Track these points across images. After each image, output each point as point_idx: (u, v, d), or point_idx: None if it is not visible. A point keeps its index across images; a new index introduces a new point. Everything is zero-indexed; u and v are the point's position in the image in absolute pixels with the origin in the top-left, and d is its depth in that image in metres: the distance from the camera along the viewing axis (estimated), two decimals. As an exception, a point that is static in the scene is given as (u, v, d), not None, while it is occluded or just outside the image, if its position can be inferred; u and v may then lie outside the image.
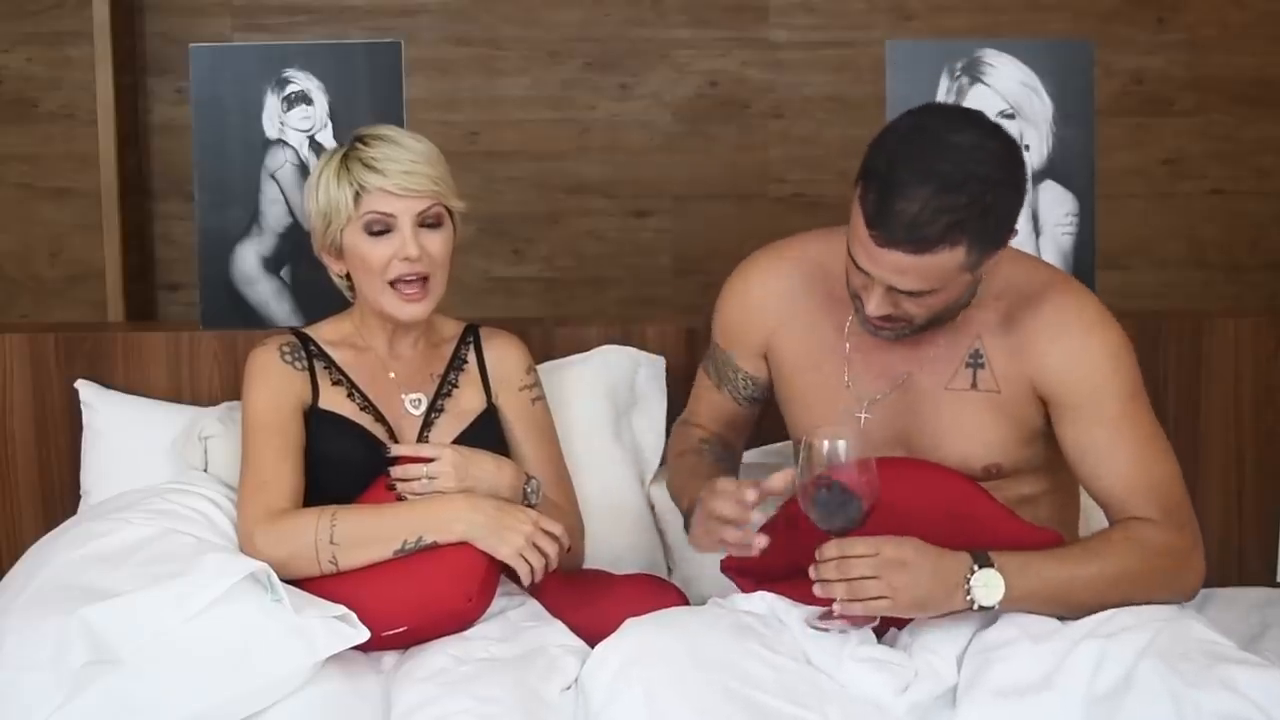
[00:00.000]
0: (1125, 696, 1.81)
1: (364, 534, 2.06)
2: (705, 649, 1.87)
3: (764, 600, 2.02)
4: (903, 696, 1.91)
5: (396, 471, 2.14)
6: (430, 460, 2.13)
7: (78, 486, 2.54)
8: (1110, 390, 2.02)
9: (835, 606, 1.91)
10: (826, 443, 1.87)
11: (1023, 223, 2.70)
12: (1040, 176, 2.72)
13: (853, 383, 2.12)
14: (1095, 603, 1.94)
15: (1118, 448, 2.01)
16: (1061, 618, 1.96)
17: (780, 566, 2.01)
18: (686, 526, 2.12)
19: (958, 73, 2.71)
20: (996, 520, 2.00)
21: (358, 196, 2.17)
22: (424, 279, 2.18)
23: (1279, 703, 1.78)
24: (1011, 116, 2.71)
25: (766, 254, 2.24)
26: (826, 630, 1.94)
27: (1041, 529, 2.03)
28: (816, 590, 1.90)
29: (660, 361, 2.60)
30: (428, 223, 2.19)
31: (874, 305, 1.97)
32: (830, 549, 1.88)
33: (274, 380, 2.21)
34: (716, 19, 3.39)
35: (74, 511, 2.46)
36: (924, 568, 1.87)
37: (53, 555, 2.10)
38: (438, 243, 2.19)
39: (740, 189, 3.41)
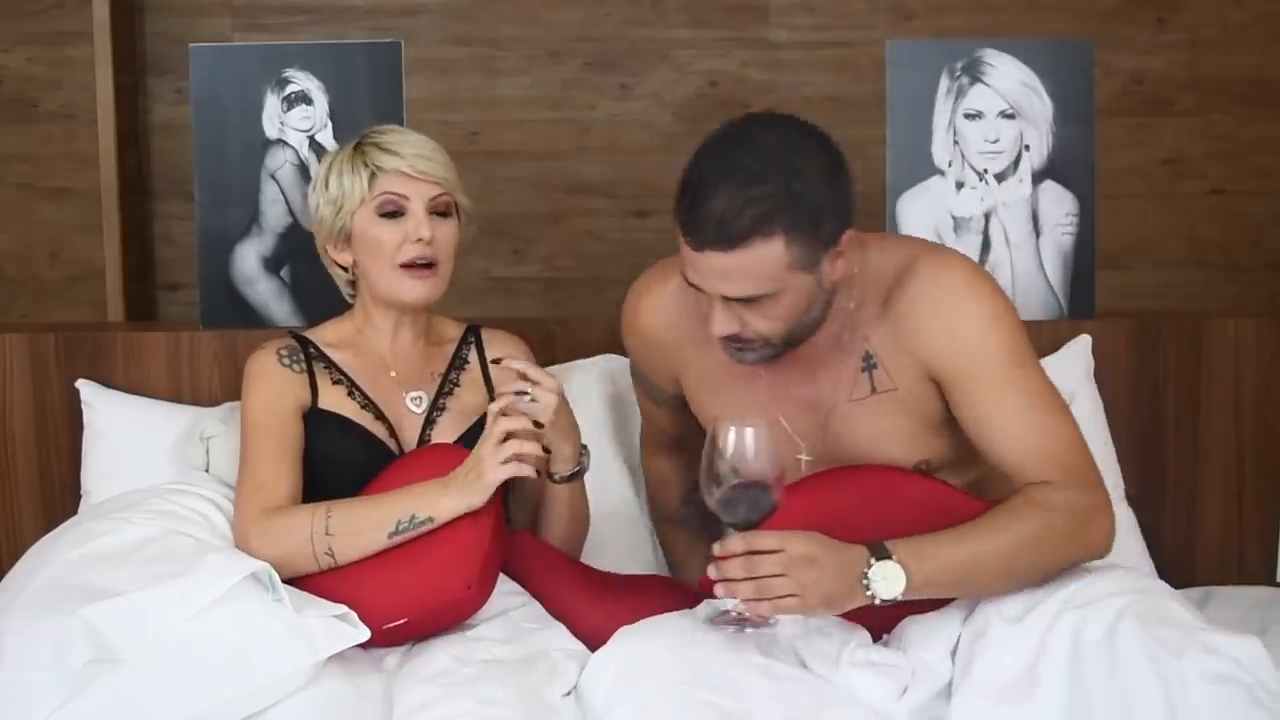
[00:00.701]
0: (1104, 667, 1.79)
1: (358, 522, 2.06)
2: (698, 660, 1.85)
3: None
4: (903, 700, 1.90)
5: (505, 389, 2.08)
6: (536, 383, 2.09)
7: (78, 486, 2.54)
8: (988, 357, 1.96)
9: (737, 604, 1.83)
10: (734, 430, 1.81)
11: (1023, 223, 2.72)
12: (1040, 176, 2.72)
13: (786, 419, 2.06)
14: (1003, 575, 1.90)
15: (1007, 414, 1.95)
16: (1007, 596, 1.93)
17: None
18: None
19: (958, 73, 2.71)
20: (918, 498, 1.96)
21: (373, 178, 2.20)
22: (433, 265, 2.20)
23: (1260, 663, 1.78)
24: (1011, 116, 2.71)
25: (650, 292, 2.19)
26: (721, 629, 1.87)
27: (971, 498, 1.99)
28: (718, 590, 1.83)
29: None
30: (438, 211, 2.22)
31: (717, 324, 1.93)
32: (735, 543, 1.80)
33: (272, 383, 2.21)
34: (716, 19, 3.39)
35: (74, 511, 2.46)
36: (829, 563, 1.81)
37: (53, 555, 2.10)
38: (447, 231, 2.22)
39: (740, 189, 3.40)
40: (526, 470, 2.05)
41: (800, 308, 1.94)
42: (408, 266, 2.20)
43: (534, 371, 2.12)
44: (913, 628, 1.97)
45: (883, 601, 1.83)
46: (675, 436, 2.32)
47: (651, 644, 1.89)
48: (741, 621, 1.86)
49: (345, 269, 2.29)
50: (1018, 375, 1.96)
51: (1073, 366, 2.59)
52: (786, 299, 1.91)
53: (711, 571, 1.83)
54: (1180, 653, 1.77)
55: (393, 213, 2.20)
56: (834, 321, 2.02)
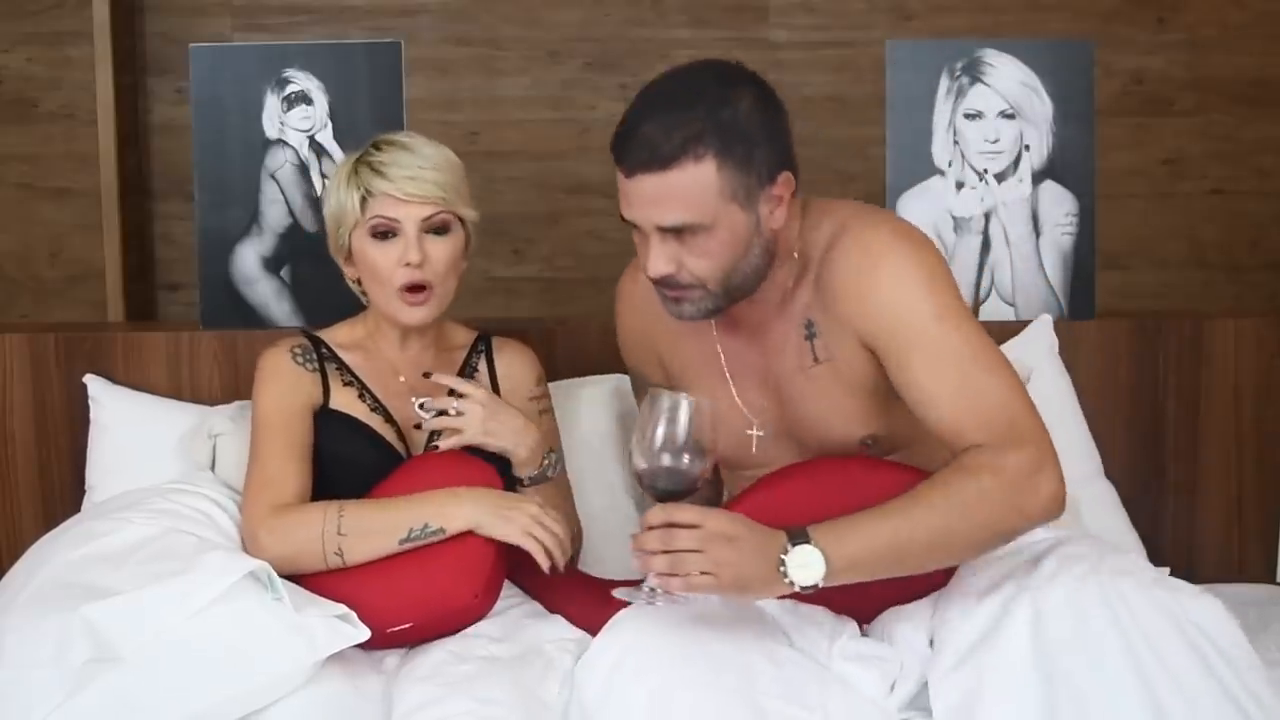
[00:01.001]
0: (1068, 626, 1.75)
1: (370, 525, 2.07)
2: (704, 643, 1.85)
3: None
4: (892, 696, 1.90)
5: (428, 403, 2.17)
6: (462, 396, 2.16)
7: (78, 486, 2.54)
8: (909, 318, 1.89)
9: (650, 579, 1.78)
10: (666, 400, 1.79)
11: (1023, 223, 2.72)
12: (1040, 176, 2.72)
13: (741, 397, 2.07)
14: (936, 549, 1.81)
15: (937, 375, 1.87)
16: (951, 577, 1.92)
17: None
18: None
19: (958, 73, 2.71)
20: (876, 486, 1.87)
21: (364, 201, 2.19)
22: (428, 288, 2.19)
23: (1224, 622, 1.77)
24: (1011, 116, 2.71)
25: (626, 287, 2.23)
26: (629, 601, 1.83)
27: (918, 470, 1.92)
28: (634, 562, 1.79)
29: None
30: (433, 229, 2.19)
31: (652, 263, 1.89)
32: (656, 514, 1.76)
33: (284, 380, 2.21)
34: (716, 19, 3.39)
35: (74, 511, 2.46)
36: (748, 545, 1.75)
37: (54, 554, 2.10)
38: (443, 250, 2.20)
39: (740, 189, 3.40)
40: (540, 557, 2.06)
41: (737, 249, 1.90)
42: (402, 290, 2.19)
43: (460, 386, 2.17)
44: (893, 620, 1.96)
45: (803, 588, 1.76)
46: None
47: (657, 626, 1.86)
48: (652, 595, 1.79)
49: (355, 280, 2.29)
50: (946, 334, 1.87)
51: (1035, 346, 2.58)
52: (721, 234, 1.88)
53: (631, 543, 1.79)
54: (1142, 611, 1.74)
55: (385, 234, 2.19)
56: (776, 290, 1.99)
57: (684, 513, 1.76)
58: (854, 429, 2.00)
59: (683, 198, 1.86)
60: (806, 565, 1.75)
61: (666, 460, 1.78)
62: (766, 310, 2.01)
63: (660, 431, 1.78)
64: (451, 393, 2.20)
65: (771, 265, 1.96)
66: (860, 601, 1.95)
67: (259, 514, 2.10)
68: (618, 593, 1.84)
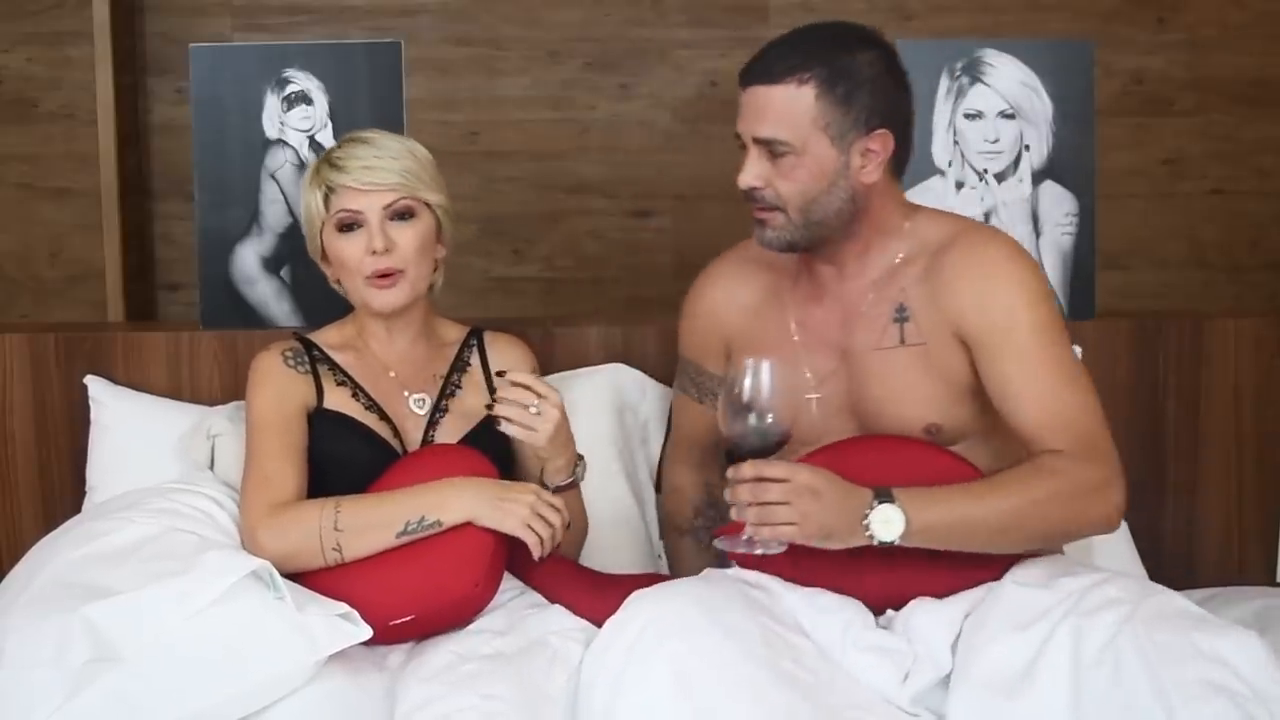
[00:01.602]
0: (1105, 674, 1.81)
1: (367, 519, 2.07)
2: (725, 618, 1.88)
3: (760, 576, 2.03)
4: (904, 686, 1.92)
5: (508, 391, 2.12)
6: (542, 396, 2.12)
7: (78, 486, 2.54)
8: (1020, 323, 2.04)
9: (747, 529, 1.92)
10: (751, 363, 1.91)
11: (1023, 223, 2.72)
12: (1040, 176, 2.72)
13: (808, 364, 2.16)
14: (1002, 533, 1.97)
15: (1030, 380, 2.02)
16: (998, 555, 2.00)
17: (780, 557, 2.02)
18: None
19: (958, 73, 2.71)
20: (929, 465, 2.03)
21: (327, 198, 2.22)
22: (397, 273, 2.21)
23: (1259, 668, 1.79)
24: (1011, 116, 2.71)
25: (711, 266, 2.34)
26: (731, 550, 1.95)
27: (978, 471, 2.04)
28: (732, 514, 1.93)
29: (668, 393, 2.60)
30: (397, 215, 2.21)
31: (744, 173, 2.08)
32: (746, 469, 1.90)
33: (277, 383, 2.22)
34: (716, 19, 3.39)
35: (74, 511, 2.46)
36: (833, 499, 1.90)
37: (55, 554, 2.10)
38: (408, 235, 2.22)
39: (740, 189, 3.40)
40: (535, 550, 2.07)
41: (821, 181, 2.05)
42: (371, 277, 2.21)
43: (539, 385, 2.14)
44: (917, 615, 1.99)
45: (880, 543, 1.91)
46: (704, 447, 2.35)
47: (678, 601, 1.91)
48: (751, 545, 1.93)
49: (336, 281, 2.30)
50: (1045, 346, 2.04)
51: None
52: (808, 162, 2.04)
53: (726, 495, 1.92)
54: (1178, 661, 1.79)
55: (350, 226, 2.22)
56: (874, 269, 2.13)
57: (773, 468, 1.90)
58: (922, 412, 2.10)
59: (779, 114, 2.04)
60: (889, 522, 1.91)
61: (752, 421, 1.90)
62: (859, 286, 2.14)
63: (746, 396, 1.90)
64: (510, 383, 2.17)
65: (857, 221, 2.10)
66: (892, 590, 2.02)
67: (257, 513, 2.11)
68: (718, 543, 1.97)
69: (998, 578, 2.02)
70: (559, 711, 1.90)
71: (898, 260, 2.13)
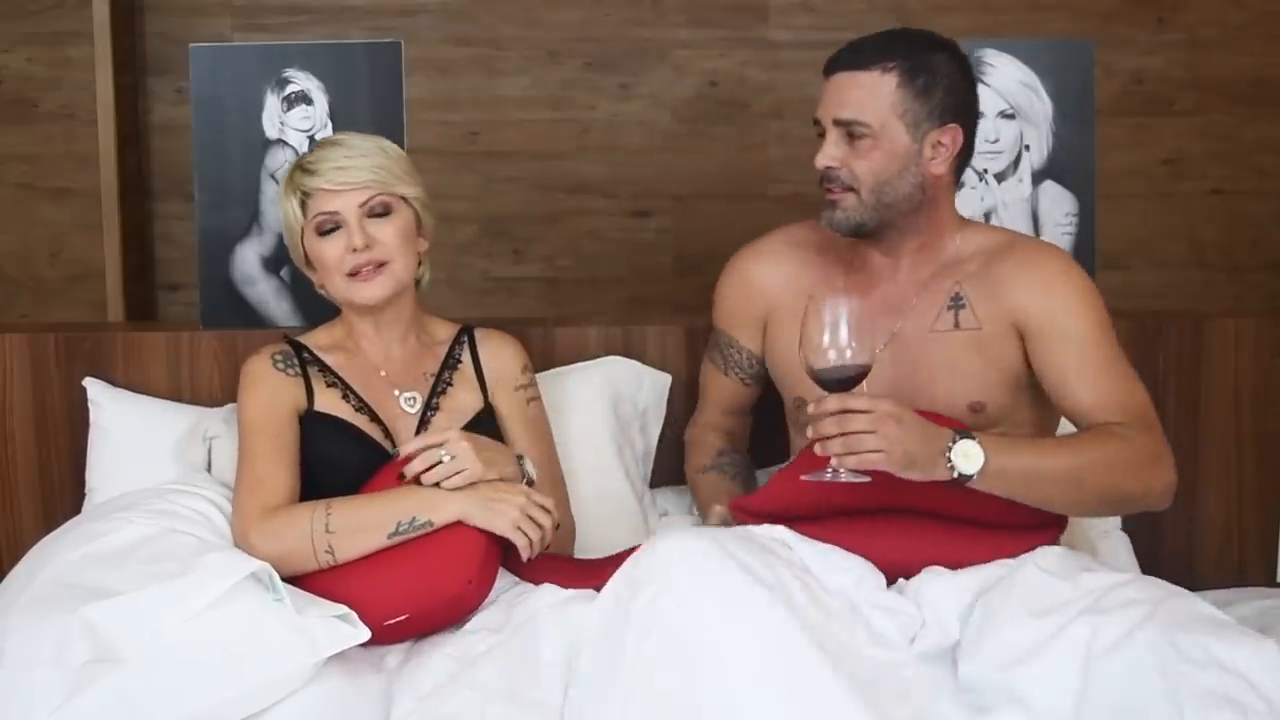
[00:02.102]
0: (1117, 669, 1.82)
1: (358, 521, 2.08)
2: (738, 558, 1.91)
3: (774, 529, 2.06)
4: (911, 648, 1.95)
5: (415, 464, 2.11)
6: (441, 444, 2.12)
7: (78, 487, 2.54)
8: (1078, 317, 2.16)
9: (832, 461, 1.97)
10: (827, 303, 1.96)
11: (1023, 223, 2.72)
12: (1040, 176, 2.72)
13: None
14: (1070, 487, 2.04)
15: (1085, 366, 2.14)
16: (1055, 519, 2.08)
17: (794, 510, 2.08)
18: None
19: (958, 73, 2.71)
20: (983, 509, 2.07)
21: (303, 204, 2.23)
22: (380, 264, 2.22)
23: (1274, 673, 1.79)
24: (1011, 116, 2.71)
25: (757, 242, 2.42)
26: (816, 480, 1.99)
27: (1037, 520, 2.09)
28: (817, 449, 1.97)
29: (665, 378, 2.61)
30: (375, 212, 2.22)
31: (821, 154, 2.18)
32: (831, 402, 1.95)
33: (267, 386, 2.23)
34: (716, 19, 3.39)
35: (74, 512, 2.46)
36: (914, 428, 1.95)
37: (54, 554, 2.10)
38: (388, 230, 2.23)
39: (740, 189, 3.41)
40: (524, 551, 2.08)
41: (894, 165, 2.17)
42: (353, 274, 2.22)
43: (429, 438, 2.13)
44: (928, 583, 2.02)
45: (960, 476, 1.96)
46: (728, 411, 2.46)
47: (692, 539, 1.95)
48: (837, 475, 1.97)
49: (321, 286, 2.31)
50: (1099, 336, 2.16)
51: None
52: (885, 144, 2.16)
53: (808, 432, 1.98)
54: (1193, 667, 1.79)
55: (330, 230, 2.22)
56: (928, 265, 2.24)
57: (857, 399, 1.95)
58: (970, 388, 2.20)
59: (862, 97, 2.16)
60: (969, 456, 1.97)
61: (832, 358, 1.96)
62: (913, 280, 2.25)
63: (826, 336, 1.96)
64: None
65: (923, 212, 2.21)
66: (908, 558, 2.07)
67: (249, 516, 2.12)
68: (805, 476, 2.00)
69: (1012, 555, 2.06)
70: (555, 673, 1.92)
71: (951, 260, 2.24)
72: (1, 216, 3.38)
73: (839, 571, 2.01)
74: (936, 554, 2.07)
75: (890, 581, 2.05)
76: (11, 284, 3.40)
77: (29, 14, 3.33)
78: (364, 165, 2.22)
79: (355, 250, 2.20)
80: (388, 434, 2.24)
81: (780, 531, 2.05)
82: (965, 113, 2.21)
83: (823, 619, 1.89)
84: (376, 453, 2.22)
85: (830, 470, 1.98)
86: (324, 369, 2.27)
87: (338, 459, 2.20)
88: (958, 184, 2.28)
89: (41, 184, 3.37)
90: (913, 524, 2.07)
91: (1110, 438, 2.07)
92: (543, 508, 2.11)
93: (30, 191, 3.38)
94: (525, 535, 2.08)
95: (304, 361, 2.27)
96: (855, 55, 2.20)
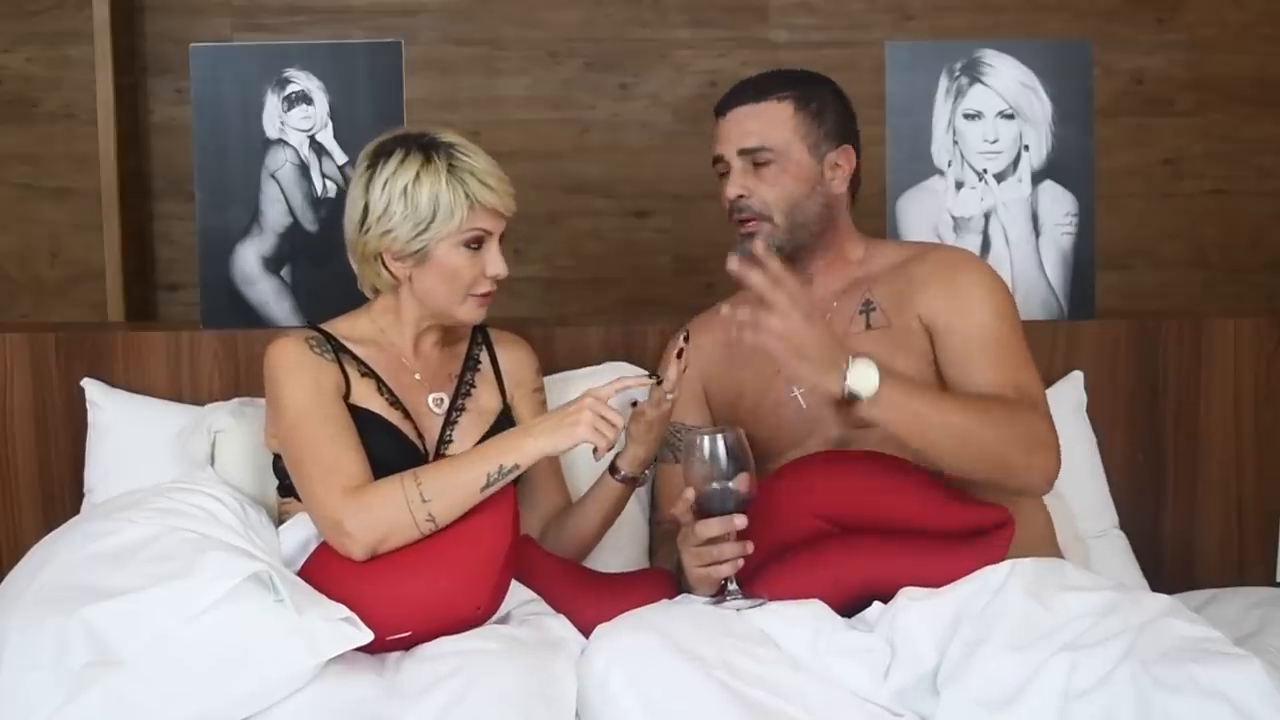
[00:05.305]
0: (1096, 711, 1.79)
1: (450, 482, 2.06)
2: (683, 642, 1.89)
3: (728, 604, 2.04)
4: (884, 684, 1.92)
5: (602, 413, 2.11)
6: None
7: (78, 487, 2.54)
8: (983, 314, 2.20)
9: (731, 586, 2.03)
10: (705, 439, 2.02)
11: (1022, 223, 2.72)
12: (1040, 176, 2.72)
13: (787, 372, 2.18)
14: (953, 438, 2.03)
15: (984, 354, 2.17)
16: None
17: (745, 568, 2.06)
18: (686, 589, 2.16)
19: (957, 73, 2.71)
20: (925, 500, 2.10)
21: (470, 210, 2.19)
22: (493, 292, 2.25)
23: (1259, 693, 1.76)
24: (1011, 117, 2.71)
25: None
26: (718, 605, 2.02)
27: (985, 505, 2.09)
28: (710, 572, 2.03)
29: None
30: (499, 239, 2.24)
31: (729, 186, 2.27)
32: (712, 525, 2.02)
33: (309, 369, 2.18)
34: (716, 19, 3.40)
35: (75, 512, 2.46)
36: (822, 331, 1.96)
37: (55, 555, 2.09)
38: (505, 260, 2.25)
39: (740, 189, 3.41)
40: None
41: (801, 186, 2.27)
42: (483, 296, 2.23)
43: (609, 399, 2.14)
44: (902, 611, 1.98)
45: (849, 394, 1.95)
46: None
47: (637, 633, 1.93)
48: (745, 601, 2.03)
49: (395, 276, 2.24)
50: (1000, 329, 2.20)
51: (1062, 405, 2.53)
52: (790, 167, 2.26)
53: (715, 551, 2.03)
54: (1172, 694, 1.76)
55: (477, 246, 2.21)
56: (839, 279, 2.32)
57: (778, 301, 1.94)
58: None
59: (763, 125, 2.27)
60: (863, 378, 1.95)
61: (715, 487, 2.02)
62: (825, 295, 2.30)
63: (703, 470, 2.03)
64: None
65: (829, 232, 2.31)
66: (884, 572, 2.05)
67: (335, 502, 2.06)
68: (705, 603, 2.04)
69: (976, 566, 2.01)
70: (566, 691, 1.92)
71: (861, 273, 2.32)
72: (1, 216, 3.38)
73: (795, 624, 1.98)
74: (915, 569, 2.04)
75: (866, 604, 2.04)
76: (11, 284, 3.40)
77: (29, 14, 3.33)
78: (513, 197, 2.23)
79: (495, 276, 2.21)
80: (419, 434, 2.23)
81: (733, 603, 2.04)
82: (854, 137, 2.34)
83: (766, 695, 1.87)
84: (410, 451, 2.19)
85: (729, 595, 2.03)
86: (355, 359, 2.24)
87: (377, 457, 2.14)
88: (853, 203, 2.35)
89: (41, 184, 3.38)
90: (876, 543, 2.05)
91: (1004, 406, 2.09)
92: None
93: (30, 191, 3.38)
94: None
95: (335, 348, 2.24)
96: (747, 90, 2.30)
